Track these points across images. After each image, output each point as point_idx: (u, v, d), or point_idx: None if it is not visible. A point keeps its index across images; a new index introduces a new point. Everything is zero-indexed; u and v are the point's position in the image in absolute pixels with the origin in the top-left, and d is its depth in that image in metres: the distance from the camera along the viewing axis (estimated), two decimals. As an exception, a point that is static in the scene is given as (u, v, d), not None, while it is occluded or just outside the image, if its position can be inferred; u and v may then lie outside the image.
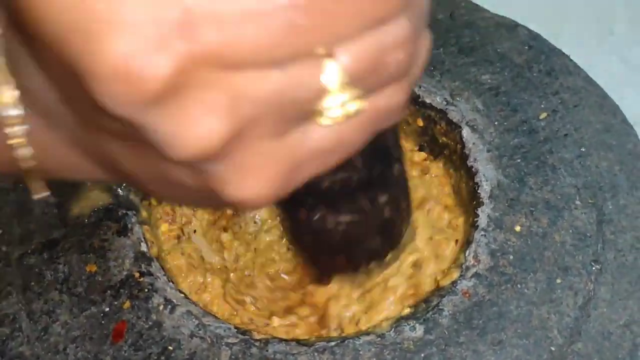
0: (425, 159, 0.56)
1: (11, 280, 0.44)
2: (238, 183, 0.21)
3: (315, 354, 0.41)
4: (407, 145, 0.58)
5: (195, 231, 0.54)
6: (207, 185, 0.22)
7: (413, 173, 0.57)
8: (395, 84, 0.21)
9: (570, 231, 0.46)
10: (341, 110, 0.20)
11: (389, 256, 0.47)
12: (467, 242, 0.47)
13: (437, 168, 0.55)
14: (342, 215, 0.40)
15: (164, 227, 0.53)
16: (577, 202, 0.47)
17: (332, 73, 0.19)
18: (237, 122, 0.19)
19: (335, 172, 0.35)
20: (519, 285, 0.43)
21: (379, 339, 0.41)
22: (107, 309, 0.43)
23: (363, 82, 0.20)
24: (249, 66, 0.18)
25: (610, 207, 0.47)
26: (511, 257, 0.45)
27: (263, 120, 0.20)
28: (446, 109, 0.53)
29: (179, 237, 0.53)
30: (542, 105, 0.52)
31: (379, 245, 0.45)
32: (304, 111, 0.20)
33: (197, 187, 0.22)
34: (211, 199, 0.23)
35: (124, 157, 0.22)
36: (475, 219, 0.47)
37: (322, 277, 0.50)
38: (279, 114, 0.20)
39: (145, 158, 0.22)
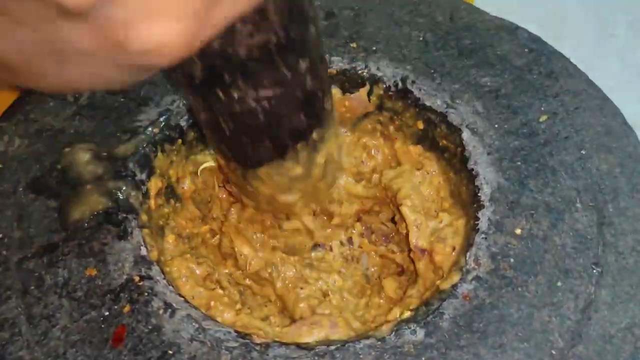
0: (420, 155, 0.55)
1: (11, 285, 0.44)
2: (143, 22, 0.18)
3: (316, 357, 0.41)
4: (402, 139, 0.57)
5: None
6: (108, 39, 0.19)
7: (405, 167, 0.56)
8: None
9: (571, 234, 0.46)
10: None
11: (314, 135, 0.44)
12: (467, 245, 0.46)
13: (431, 166, 0.55)
14: (263, 90, 0.37)
15: (170, 237, 0.52)
16: (578, 205, 0.47)
17: None
18: None
19: (251, 33, 0.34)
20: (519, 289, 0.43)
21: (380, 342, 0.41)
22: (107, 313, 0.42)
23: None
24: None
25: (611, 209, 0.47)
26: (512, 260, 0.45)
27: None
28: (446, 111, 0.53)
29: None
30: (543, 108, 0.52)
31: (304, 123, 0.43)
32: None
33: (95, 48, 0.19)
34: (115, 63, 0.20)
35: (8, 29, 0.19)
36: (476, 222, 0.47)
37: (249, 166, 0.46)
38: None
39: (33, 25, 0.19)
